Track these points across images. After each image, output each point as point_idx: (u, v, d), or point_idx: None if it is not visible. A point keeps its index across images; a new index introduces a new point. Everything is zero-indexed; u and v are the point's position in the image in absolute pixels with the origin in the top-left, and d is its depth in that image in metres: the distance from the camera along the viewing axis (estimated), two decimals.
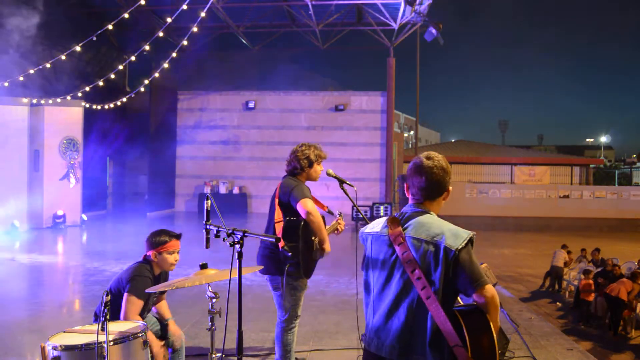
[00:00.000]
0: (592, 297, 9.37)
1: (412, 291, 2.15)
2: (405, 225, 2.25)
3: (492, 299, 2.10)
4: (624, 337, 8.67)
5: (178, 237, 3.59)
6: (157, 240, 3.50)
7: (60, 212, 13.76)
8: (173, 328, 3.70)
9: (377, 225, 2.37)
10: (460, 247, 2.11)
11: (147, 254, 3.52)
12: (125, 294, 3.32)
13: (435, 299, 2.08)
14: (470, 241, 2.16)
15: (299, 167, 4.03)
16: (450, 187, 2.35)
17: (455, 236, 2.15)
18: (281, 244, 3.80)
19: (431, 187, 2.28)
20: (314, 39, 19.49)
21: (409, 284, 2.16)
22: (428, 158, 2.29)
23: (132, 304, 3.31)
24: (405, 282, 2.18)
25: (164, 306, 3.78)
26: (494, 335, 2.10)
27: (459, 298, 2.27)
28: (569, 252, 12.24)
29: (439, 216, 2.33)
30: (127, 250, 10.74)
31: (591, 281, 9.60)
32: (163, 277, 3.67)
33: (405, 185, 2.38)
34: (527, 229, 21.69)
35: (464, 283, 2.11)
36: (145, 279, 3.38)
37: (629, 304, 8.67)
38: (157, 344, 3.40)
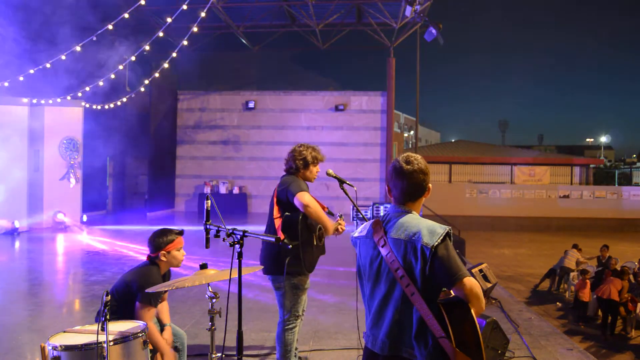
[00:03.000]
0: (587, 298, 9.36)
1: (397, 289, 2.28)
2: (387, 227, 2.38)
3: (470, 291, 2.19)
4: (624, 337, 8.67)
5: (182, 233, 3.65)
6: (165, 239, 3.52)
7: (60, 213, 13.76)
8: (168, 333, 3.68)
9: (364, 229, 2.50)
10: (437, 243, 2.21)
11: (155, 255, 3.52)
12: (139, 304, 3.33)
13: (418, 295, 2.21)
14: (448, 235, 2.25)
15: (294, 167, 4.06)
16: (430, 185, 2.45)
17: (431, 233, 2.24)
18: (281, 237, 3.81)
19: (412, 190, 2.40)
20: (314, 39, 19.48)
21: (394, 282, 2.29)
22: (407, 162, 2.41)
23: (148, 312, 3.33)
24: (391, 281, 2.31)
25: (164, 310, 3.77)
26: (476, 324, 2.20)
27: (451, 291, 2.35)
28: (579, 250, 12.21)
29: (424, 214, 2.39)
30: (127, 250, 10.74)
31: (588, 282, 9.58)
32: (167, 276, 3.68)
33: (387, 187, 2.50)
34: (527, 229, 21.70)
35: (442, 277, 2.21)
36: (155, 285, 3.37)
37: (623, 302, 8.66)
38: (166, 347, 3.41)
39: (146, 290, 3.25)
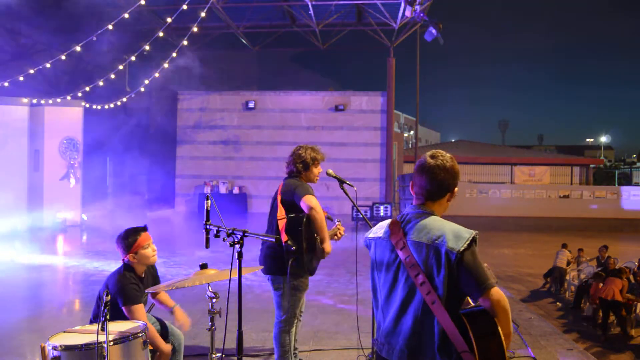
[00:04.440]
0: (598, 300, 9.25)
1: (417, 296, 2.12)
2: (407, 229, 2.21)
3: (498, 303, 2.05)
4: (624, 337, 8.66)
5: (145, 229, 3.55)
6: (127, 242, 3.45)
7: (60, 212, 13.76)
8: (179, 314, 3.69)
9: (379, 230, 2.33)
10: (463, 248, 2.06)
11: (125, 259, 3.49)
12: (124, 308, 3.32)
13: (440, 304, 2.04)
14: (474, 241, 2.10)
15: (295, 170, 4.05)
16: (456, 189, 2.29)
17: (457, 238, 2.09)
18: (284, 238, 3.80)
19: (433, 188, 2.23)
20: (314, 39, 19.48)
21: (413, 288, 2.13)
22: (432, 157, 2.24)
23: (136, 312, 3.32)
24: (410, 286, 2.14)
25: (164, 296, 3.79)
26: (502, 339, 2.05)
27: (468, 298, 2.22)
28: (570, 251, 12.22)
29: (443, 217, 2.29)
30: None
31: (601, 285, 9.44)
32: (150, 273, 3.64)
33: (410, 182, 2.34)
34: (527, 229, 21.68)
35: (468, 286, 2.07)
36: (130, 286, 3.36)
37: (625, 302, 8.64)
38: (162, 343, 3.41)
39: (146, 291, 3.25)
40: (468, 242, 2.07)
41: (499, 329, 2.05)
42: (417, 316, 2.12)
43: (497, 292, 2.06)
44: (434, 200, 2.25)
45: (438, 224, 2.17)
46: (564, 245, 12.13)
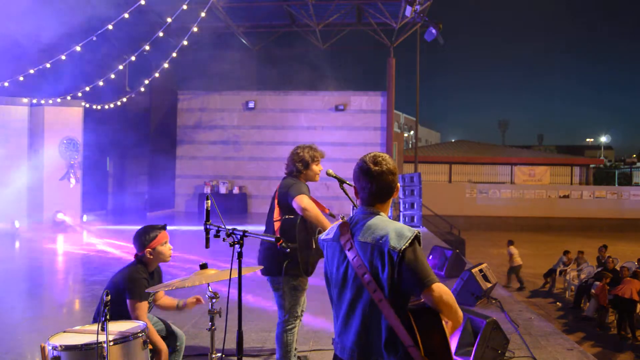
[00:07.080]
0: (606, 302, 9.24)
1: (364, 295, 2.18)
2: (354, 230, 2.28)
3: (439, 298, 2.09)
4: (624, 337, 8.67)
5: (164, 227, 3.65)
6: (148, 237, 3.53)
7: (60, 213, 13.76)
8: (189, 301, 3.71)
9: (331, 232, 2.40)
10: (404, 247, 2.11)
11: (140, 253, 3.54)
12: (129, 301, 3.34)
13: (386, 302, 2.10)
14: (416, 239, 2.15)
15: (295, 169, 4.08)
16: (399, 185, 2.38)
17: (399, 237, 2.14)
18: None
19: (382, 192, 2.30)
20: (314, 39, 19.48)
21: (361, 287, 2.19)
22: (375, 163, 2.29)
23: (139, 309, 3.33)
24: (357, 286, 2.21)
25: (166, 300, 3.80)
26: (446, 332, 2.12)
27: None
28: (565, 253, 12.17)
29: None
30: (127, 250, 10.74)
31: (606, 287, 9.44)
32: (157, 272, 3.68)
33: (354, 189, 2.39)
34: (527, 229, 21.70)
35: (409, 283, 2.11)
36: (141, 280, 3.40)
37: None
38: (160, 341, 3.41)
39: (146, 290, 3.26)
40: (410, 240, 2.12)
41: (443, 322, 2.12)
42: (364, 315, 2.18)
43: (438, 287, 2.10)
44: (383, 202, 2.33)
45: (383, 224, 2.22)
46: (510, 242, 12.06)
